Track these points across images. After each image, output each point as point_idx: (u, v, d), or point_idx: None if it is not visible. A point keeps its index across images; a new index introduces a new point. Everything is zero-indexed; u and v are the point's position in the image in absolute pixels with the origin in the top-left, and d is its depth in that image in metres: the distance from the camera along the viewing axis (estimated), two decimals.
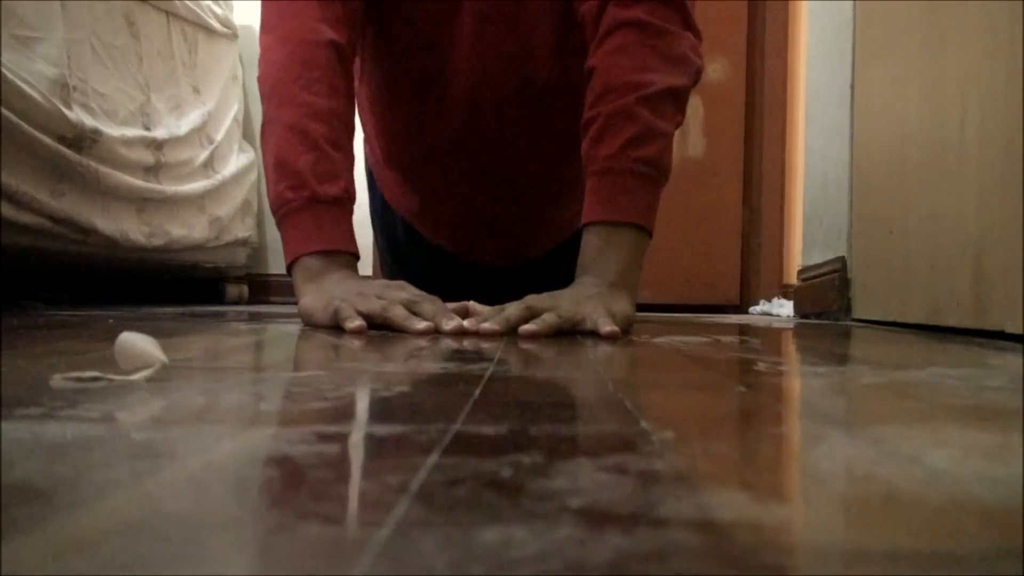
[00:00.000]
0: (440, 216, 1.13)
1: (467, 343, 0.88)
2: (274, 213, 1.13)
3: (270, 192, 1.13)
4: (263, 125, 1.17)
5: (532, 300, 1.03)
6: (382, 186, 1.53)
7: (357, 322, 0.99)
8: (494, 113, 1.32)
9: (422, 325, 0.98)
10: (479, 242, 1.18)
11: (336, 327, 1.01)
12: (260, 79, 1.18)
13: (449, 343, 0.87)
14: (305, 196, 1.09)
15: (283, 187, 1.10)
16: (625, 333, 1.04)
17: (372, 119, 1.45)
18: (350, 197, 1.12)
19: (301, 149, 1.10)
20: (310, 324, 1.07)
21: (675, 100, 1.14)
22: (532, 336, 0.96)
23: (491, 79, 1.29)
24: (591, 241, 1.11)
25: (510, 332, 0.98)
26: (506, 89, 1.30)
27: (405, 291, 1.06)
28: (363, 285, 1.08)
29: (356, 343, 0.87)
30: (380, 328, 1.01)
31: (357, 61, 1.35)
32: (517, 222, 1.13)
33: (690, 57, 1.17)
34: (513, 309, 1.01)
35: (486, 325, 0.98)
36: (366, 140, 1.53)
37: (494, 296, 1.12)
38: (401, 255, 1.57)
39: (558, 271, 1.24)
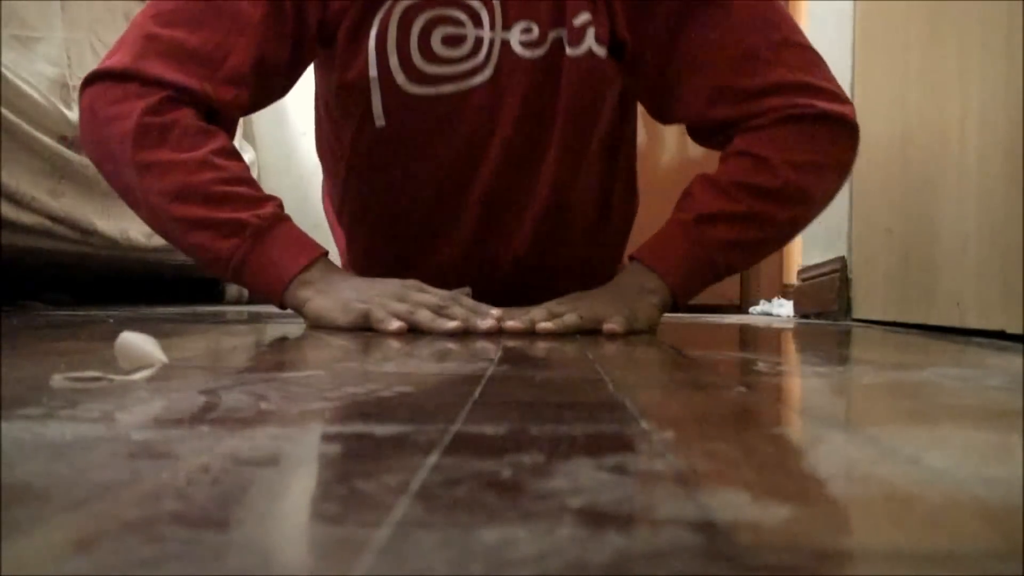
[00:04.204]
0: None
1: (478, 344, 0.88)
2: (226, 271, 1.03)
3: (206, 259, 1.04)
4: (134, 205, 1.08)
5: (554, 305, 1.05)
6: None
7: (396, 324, 0.97)
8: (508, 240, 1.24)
9: (452, 324, 0.98)
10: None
11: (354, 329, 0.99)
12: (95, 150, 1.09)
13: (447, 344, 0.87)
14: (249, 234, 1.01)
15: (217, 244, 1.02)
16: (645, 332, 1.07)
17: (355, 241, 1.33)
18: (282, 207, 1.06)
19: (208, 203, 1.02)
20: (323, 325, 1.02)
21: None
22: (549, 332, 0.99)
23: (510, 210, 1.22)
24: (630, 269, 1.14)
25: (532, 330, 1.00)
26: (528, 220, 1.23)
27: (426, 293, 1.03)
28: (379, 285, 1.04)
29: (355, 344, 0.87)
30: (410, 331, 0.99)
31: (336, 184, 1.26)
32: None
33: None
34: (537, 312, 1.03)
35: (511, 323, 0.99)
36: (342, 254, 1.39)
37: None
38: None
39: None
